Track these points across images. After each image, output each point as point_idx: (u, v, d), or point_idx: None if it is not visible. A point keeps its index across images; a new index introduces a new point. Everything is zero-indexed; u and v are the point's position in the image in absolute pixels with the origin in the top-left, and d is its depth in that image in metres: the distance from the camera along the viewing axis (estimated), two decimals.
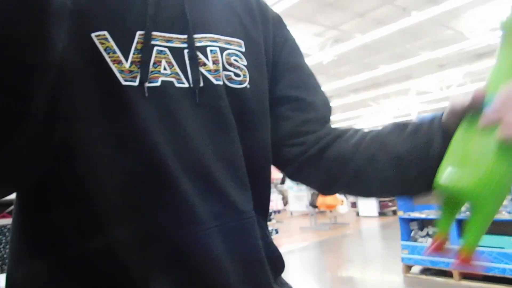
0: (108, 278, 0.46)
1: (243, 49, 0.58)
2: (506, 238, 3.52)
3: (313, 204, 7.73)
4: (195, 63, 0.52)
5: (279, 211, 9.15)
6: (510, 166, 0.34)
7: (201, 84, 0.52)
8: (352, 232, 7.49)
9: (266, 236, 0.59)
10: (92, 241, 0.45)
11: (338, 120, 17.94)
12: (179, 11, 0.53)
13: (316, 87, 0.68)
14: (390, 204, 8.65)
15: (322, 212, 8.82)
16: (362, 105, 16.29)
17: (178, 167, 0.47)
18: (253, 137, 0.57)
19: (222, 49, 0.55)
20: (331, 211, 7.87)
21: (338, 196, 7.69)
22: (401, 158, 0.53)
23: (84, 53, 0.46)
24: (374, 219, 8.67)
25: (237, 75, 0.56)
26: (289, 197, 10.22)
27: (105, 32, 0.46)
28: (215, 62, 0.54)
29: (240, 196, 0.52)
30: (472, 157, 0.35)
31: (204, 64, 0.53)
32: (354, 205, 9.48)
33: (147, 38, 0.48)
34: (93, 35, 0.46)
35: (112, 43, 0.47)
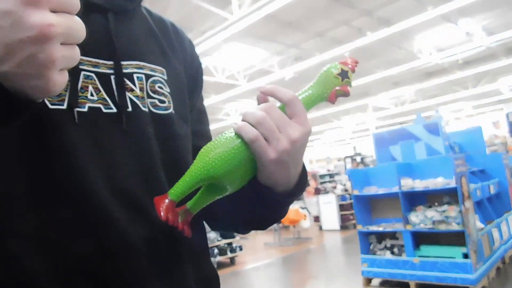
0: None
1: (165, 77, 0.59)
2: (456, 248, 3.70)
3: None
4: (122, 89, 0.52)
5: None
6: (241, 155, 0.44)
7: (129, 109, 0.52)
8: (315, 247, 7.56)
9: (199, 257, 0.58)
10: (6, 273, 0.41)
11: None
12: (105, 36, 0.52)
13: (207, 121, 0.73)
14: (351, 217, 8.85)
15: (286, 227, 8.85)
16: (323, 121, 16.76)
17: (107, 194, 0.46)
18: (178, 161, 0.56)
19: (147, 76, 0.56)
20: (294, 226, 7.92)
21: (301, 211, 7.77)
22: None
23: None
24: (336, 232, 8.82)
25: (162, 101, 0.56)
26: None
27: None
28: (141, 89, 0.54)
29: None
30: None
31: (132, 90, 0.53)
32: (317, 219, 9.61)
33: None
34: None
35: None
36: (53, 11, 0.30)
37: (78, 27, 0.33)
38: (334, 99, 0.49)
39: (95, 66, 0.50)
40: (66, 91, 0.46)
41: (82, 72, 0.49)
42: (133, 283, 0.47)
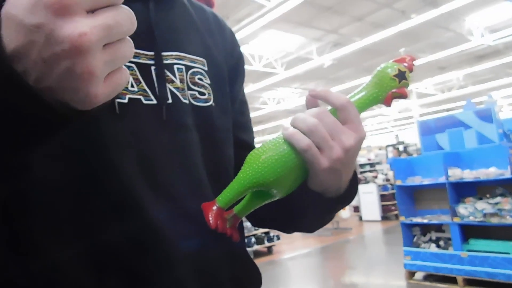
0: None
1: (206, 68, 0.58)
2: (510, 243, 3.46)
3: None
4: (163, 80, 0.51)
5: None
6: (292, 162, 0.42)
7: (169, 101, 0.51)
8: (354, 238, 7.42)
9: (237, 255, 0.56)
10: (42, 261, 0.41)
11: None
12: (145, 26, 0.51)
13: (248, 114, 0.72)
14: (392, 208, 8.58)
15: None
16: None
17: (145, 187, 0.45)
18: (218, 153, 0.56)
19: (188, 68, 0.55)
20: None
21: None
22: None
23: None
24: (376, 223, 8.59)
25: (201, 93, 0.56)
26: None
27: None
28: (181, 81, 0.53)
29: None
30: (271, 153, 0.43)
31: (172, 81, 0.52)
32: (356, 209, 9.41)
33: None
34: None
35: None
36: (92, 11, 0.28)
37: (123, 19, 0.29)
38: (390, 102, 0.46)
39: (135, 56, 0.49)
40: None
41: None
42: (168, 279, 0.45)
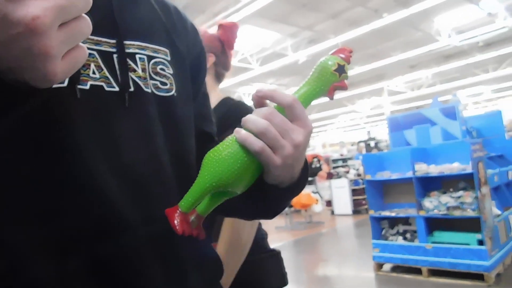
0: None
1: (169, 58, 0.58)
2: (470, 234, 3.64)
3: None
4: (125, 68, 0.51)
5: None
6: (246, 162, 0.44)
7: (131, 89, 0.51)
8: (327, 231, 7.57)
9: (197, 243, 0.57)
10: (1, 245, 0.41)
11: (314, 120, 18.13)
12: (107, 14, 0.51)
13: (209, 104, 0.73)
14: (363, 202, 8.81)
15: (297, 211, 8.88)
16: (337, 105, 16.54)
17: (108, 171, 0.46)
18: (180, 142, 0.57)
19: (150, 58, 0.55)
20: (306, 210, 7.93)
21: (313, 195, 7.76)
22: None
23: None
24: (348, 217, 8.80)
25: (163, 83, 0.56)
26: None
27: None
28: (143, 70, 0.53)
29: (167, 201, 0.50)
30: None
31: (134, 70, 0.52)
32: (329, 203, 9.61)
33: None
34: None
35: None
36: None
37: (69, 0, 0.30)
38: (332, 95, 0.49)
39: (97, 44, 0.49)
40: None
41: None
42: (130, 263, 0.46)
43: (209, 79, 1.17)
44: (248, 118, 0.45)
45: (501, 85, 14.58)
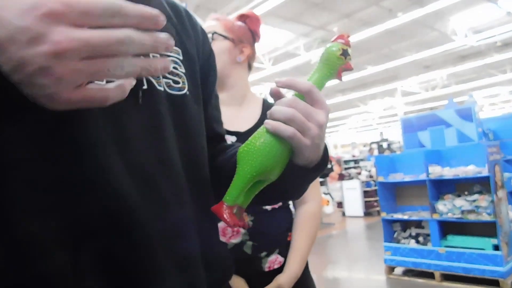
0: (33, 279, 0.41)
1: (181, 57, 0.60)
2: (486, 239, 3.56)
3: None
4: None
5: None
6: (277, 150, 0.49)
7: (145, 86, 0.52)
8: (337, 233, 7.50)
9: (209, 237, 0.59)
10: (15, 233, 0.40)
11: None
12: None
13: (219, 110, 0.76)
14: (375, 204, 8.70)
15: None
16: (349, 105, 16.40)
17: (120, 166, 0.46)
18: (191, 142, 0.58)
19: (163, 56, 0.55)
20: None
21: (324, 196, 7.70)
22: None
23: None
24: (359, 219, 8.71)
25: (176, 82, 0.57)
26: None
27: None
28: None
29: (177, 199, 0.52)
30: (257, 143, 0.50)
31: None
32: (340, 205, 9.52)
33: None
34: None
35: None
36: (77, 25, 0.32)
37: (114, 41, 0.32)
38: (341, 76, 0.55)
39: None
40: None
41: None
42: (142, 258, 0.47)
43: (242, 72, 1.16)
44: (275, 109, 0.49)
45: None
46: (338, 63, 0.53)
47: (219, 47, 1.07)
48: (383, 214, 4.24)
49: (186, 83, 0.58)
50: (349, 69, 0.54)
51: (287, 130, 0.48)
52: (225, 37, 1.10)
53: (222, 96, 1.08)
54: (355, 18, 7.80)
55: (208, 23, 1.13)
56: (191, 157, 0.57)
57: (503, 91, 15.15)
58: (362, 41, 7.96)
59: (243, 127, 1.05)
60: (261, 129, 0.50)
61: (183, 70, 0.59)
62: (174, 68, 0.57)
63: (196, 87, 0.62)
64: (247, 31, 1.15)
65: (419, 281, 3.94)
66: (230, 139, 1.02)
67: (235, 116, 1.08)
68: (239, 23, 1.15)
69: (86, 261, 0.43)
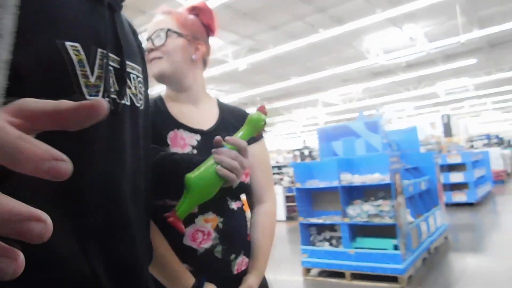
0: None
1: (141, 76, 0.67)
2: (388, 240, 3.94)
3: None
4: (125, 84, 0.60)
5: None
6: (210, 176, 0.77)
7: (128, 103, 0.61)
8: None
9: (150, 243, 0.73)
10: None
11: None
12: (112, 34, 0.58)
13: None
14: (296, 208, 9.08)
15: None
16: (274, 113, 16.98)
17: (119, 176, 0.56)
18: (143, 153, 0.67)
19: (137, 76, 0.65)
20: None
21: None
22: None
23: (45, 61, 0.46)
24: (282, 223, 9.02)
25: (140, 99, 0.66)
26: None
27: (78, 44, 0.50)
28: (135, 87, 0.64)
29: (140, 202, 0.64)
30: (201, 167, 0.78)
31: (129, 87, 0.62)
32: None
33: (107, 56, 0.54)
34: (67, 44, 0.48)
35: (83, 56, 0.50)
36: None
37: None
38: (260, 136, 0.85)
39: (112, 60, 0.57)
40: (101, 82, 0.54)
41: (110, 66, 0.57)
42: (130, 258, 0.58)
43: (198, 71, 1.09)
44: (223, 159, 0.76)
45: (420, 103, 16.12)
46: (260, 128, 0.83)
47: (174, 45, 1.00)
48: (301, 219, 4.47)
49: (142, 99, 0.67)
50: (263, 133, 0.85)
51: (232, 176, 0.76)
52: (179, 35, 1.01)
53: (179, 96, 1.06)
54: (282, 31, 8.15)
55: (158, 18, 1.04)
56: (143, 166, 0.68)
57: (408, 106, 17.03)
58: (288, 52, 8.33)
59: (205, 126, 1.03)
60: (210, 167, 0.76)
61: (143, 88, 0.67)
62: (140, 87, 0.66)
63: (147, 104, 0.73)
64: (201, 26, 1.07)
65: (332, 281, 4.21)
66: (195, 138, 0.99)
67: (196, 113, 1.05)
68: (191, 16, 1.06)
69: (99, 268, 0.51)
